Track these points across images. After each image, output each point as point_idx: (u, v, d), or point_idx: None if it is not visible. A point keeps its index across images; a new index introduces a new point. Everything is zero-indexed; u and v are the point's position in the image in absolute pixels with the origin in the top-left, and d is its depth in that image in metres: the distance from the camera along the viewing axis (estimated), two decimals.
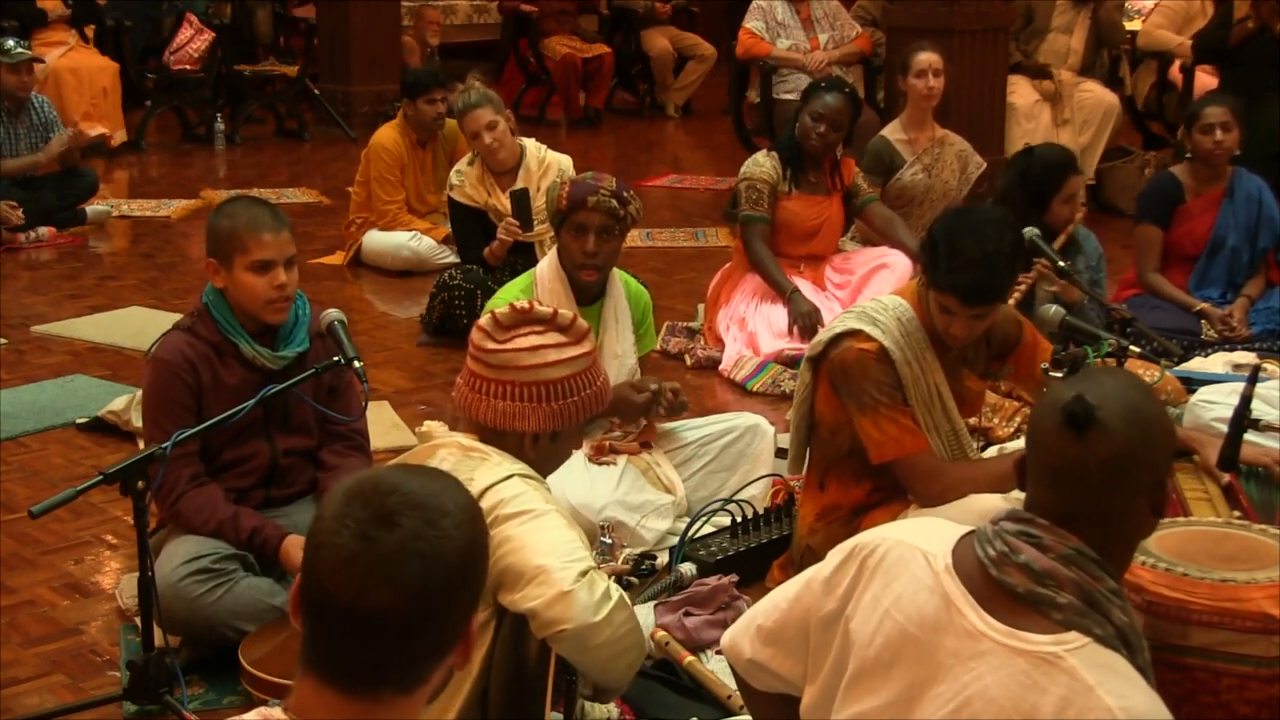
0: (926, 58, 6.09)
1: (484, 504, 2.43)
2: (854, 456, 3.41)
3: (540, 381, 2.70)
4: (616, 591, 2.59)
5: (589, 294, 4.01)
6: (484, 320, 2.75)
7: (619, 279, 4.09)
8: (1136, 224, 5.66)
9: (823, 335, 3.46)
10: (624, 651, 2.61)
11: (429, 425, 2.77)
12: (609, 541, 3.64)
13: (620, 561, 3.61)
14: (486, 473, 2.58)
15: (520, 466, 2.65)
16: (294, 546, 3.28)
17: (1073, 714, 1.79)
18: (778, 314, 5.47)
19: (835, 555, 2.09)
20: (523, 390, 2.69)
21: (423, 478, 1.65)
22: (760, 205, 5.54)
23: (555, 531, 2.57)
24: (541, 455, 2.76)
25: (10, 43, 7.36)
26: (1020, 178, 4.96)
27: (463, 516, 1.62)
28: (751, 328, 5.49)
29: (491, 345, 2.70)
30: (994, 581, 1.91)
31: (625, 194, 3.94)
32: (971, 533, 2.00)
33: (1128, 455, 1.90)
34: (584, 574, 2.52)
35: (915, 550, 1.99)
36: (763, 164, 5.60)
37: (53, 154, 7.38)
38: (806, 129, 5.52)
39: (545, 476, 2.73)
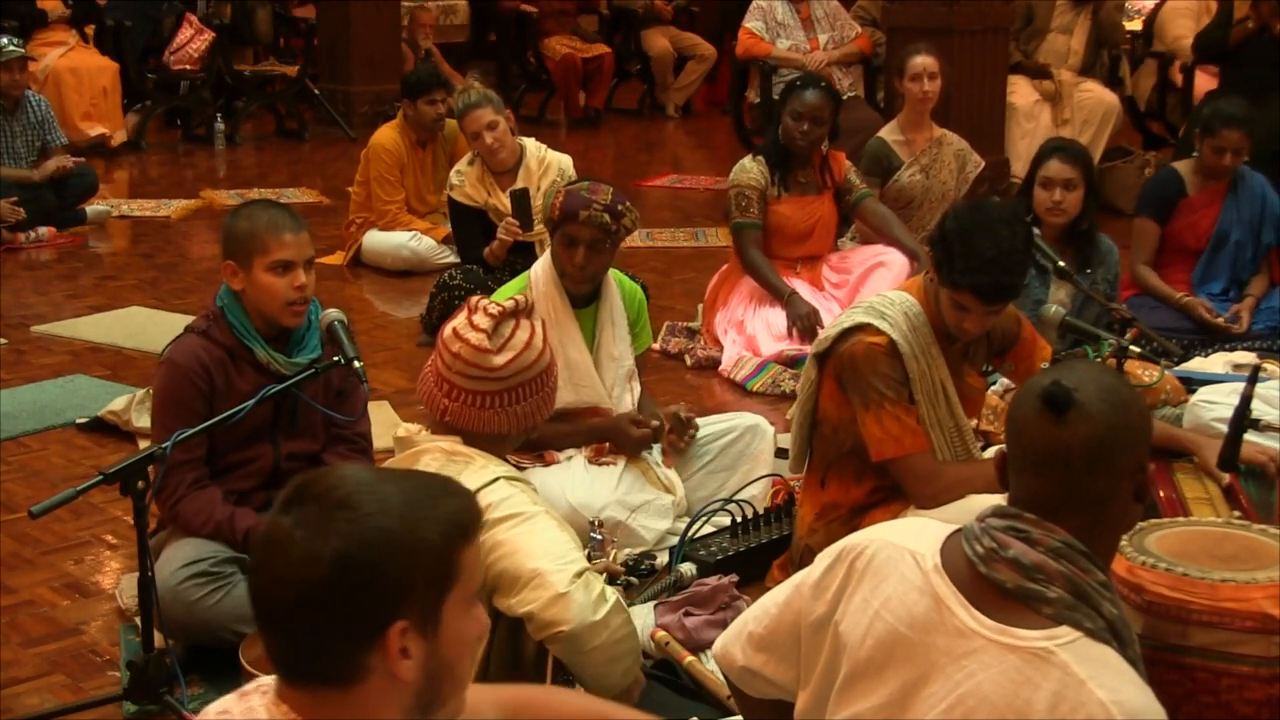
0: (921, 61, 6.08)
1: None
2: (855, 455, 3.41)
3: (544, 369, 2.76)
4: (613, 594, 2.60)
5: (584, 297, 4.01)
6: (473, 341, 2.69)
7: (612, 278, 4.08)
8: (1135, 216, 5.67)
9: (830, 331, 3.45)
10: (619, 657, 2.61)
11: (407, 430, 2.74)
12: (599, 537, 3.62)
13: (612, 559, 3.59)
14: (472, 477, 2.58)
15: (505, 469, 2.65)
16: None
17: (1065, 709, 1.80)
18: (776, 316, 5.46)
19: (823, 559, 2.09)
20: (530, 386, 2.73)
21: (367, 475, 1.59)
22: (750, 211, 5.53)
23: (548, 534, 2.57)
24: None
25: (3, 41, 7.35)
26: None
27: (372, 519, 1.52)
28: (750, 331, 5.48)
29: (500, 360, 2.68)
30: (983, 578, 1.91)
31: (620, 207, 3.88)
32: (959, 531, 2.00)
33: (1108, 435, 1.91)
34: (579, 575, 2.53)
35: (903, 551, 1.99)
36: (750, 170, 5.57)
37: (47, 173, 7.37)
38: (789, 129, 5.51)
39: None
